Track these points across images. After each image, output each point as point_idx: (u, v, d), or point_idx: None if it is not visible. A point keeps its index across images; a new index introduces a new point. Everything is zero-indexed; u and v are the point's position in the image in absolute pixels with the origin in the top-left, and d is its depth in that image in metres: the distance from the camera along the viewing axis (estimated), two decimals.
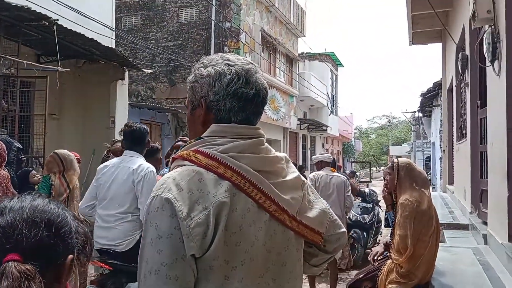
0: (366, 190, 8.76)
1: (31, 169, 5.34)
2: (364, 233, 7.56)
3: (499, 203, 4.39)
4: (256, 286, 1.09)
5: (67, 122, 8.41)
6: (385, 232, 9.32)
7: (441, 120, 13.21)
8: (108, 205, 3.29)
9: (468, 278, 3.77)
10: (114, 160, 3.51)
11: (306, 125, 20.24)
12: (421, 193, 3.46)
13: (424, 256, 3.40)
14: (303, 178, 1.25)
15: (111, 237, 3.20)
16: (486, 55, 4.78)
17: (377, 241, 8.28)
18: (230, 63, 1.17)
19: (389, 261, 3.55)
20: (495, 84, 4.60)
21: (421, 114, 21.91)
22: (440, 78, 13.01)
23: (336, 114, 25.38)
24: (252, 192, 1.08)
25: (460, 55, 7.21)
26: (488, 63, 4.72)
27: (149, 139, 3.62)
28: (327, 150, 26.37)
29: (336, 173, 5.41)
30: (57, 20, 6.17)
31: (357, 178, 14.14)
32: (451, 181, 11.41)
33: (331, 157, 5.56)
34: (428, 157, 32.33)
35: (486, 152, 5.56)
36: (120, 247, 3.17)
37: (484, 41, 4.74)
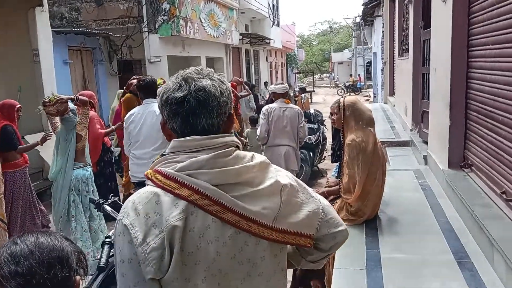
0: (312, 111, 8.83)
1: None
2: (311, 153, 7.74)
3: (440, 130, 4.54)
4: None
5: None
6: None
7: (382, 31, 13.20)
8: (143, 145, 3.88)
9: (411, 206, 3.98)
10: (137, 108, 4.05)
11: (249, 39, 19.50)
12: (366, 132, 3.46)
13: (372, 193, 3.50)
14: (284, 182, 1.17)
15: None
16: None
17: (323, 157, 8.55)
18: (177, 75, 1.17)
19: (339, 200, 3.63)
20: (441, 10, 4.48)
21: (362, 21, 21.84)
22: None
23: (278, 25, 24.64)
24: (212, 208, 1.06)
25: None
26: None
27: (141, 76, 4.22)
28: (270, 63, 26.05)
29: (290, 105, 5.30)
30: None
31: (305, 95, 14.18)
32: (391, 93, 11.76)
33: (285, 87, 5.39)
34: (369, 62, 33.02)
35: (428, 74, 5.63)
36: None
37: None
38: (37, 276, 0.95)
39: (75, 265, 1.04)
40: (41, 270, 0.95)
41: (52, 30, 8.00)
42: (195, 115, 1.12)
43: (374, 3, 14.82)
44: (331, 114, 3.74)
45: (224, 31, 15.20)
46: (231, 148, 1.13)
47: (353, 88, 32.22)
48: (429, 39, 5.49)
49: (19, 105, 4.88)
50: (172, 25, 11.62)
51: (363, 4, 16.27)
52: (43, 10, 7.46)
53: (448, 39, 4.14)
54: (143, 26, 11.65)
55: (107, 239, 2.26)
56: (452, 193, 3.88)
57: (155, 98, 3.56)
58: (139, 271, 1.04)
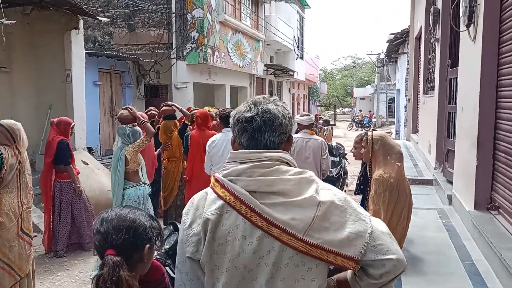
0: (334, 144, 8.82)
1: None
2: None
3: (466, 170, 4.46)
4: None
5: (18, 76, 7.75)
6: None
7: (407, 68, 13.24)
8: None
9: (435, 246, 3.87)
10: (218, 135, 4.62)
11: (273, 70, 19.82)
12: (395, 167, 3.41)
13: (396, 231, 3.42)
14: (324, 199, 1.23)
15: None
16: (462, 19, 4.62)
17: (344, 191, 8.46)
18: (247, 100, 1.39)
19: None
20: (469, 49, 4.49)
21: (386, 57, 21.96)
22: (407, 25, 12.86)
23: (302, 58, 24.97)
24: (243, 210, 1.22)
25: (432, 9, 7.02)
26: (463, 27, 4.58)
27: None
28: (293, 94, 26.27)
29: (314, 136, 5.30)
30: None
31: (327, 127, 14.19)
32: (415, 130, 11.66)
33: (310, 119, 5.39)
34: (391, 98, 32.98)
35: (454, 113, 5.59)
36: None
37: (460, 4, 4.56)
38: (109, 237, 1.34)
39: (148, 237, 1.39)
40: (113, 233, 1.34)
41: (85, 52, 8.31)
42: (260, 132, 1.31)
43: (399, 40, 14.93)
44: (355, 147, 3.72)
45: (249, 61, 15.50)
46: (273, 162, 1.28)
47: (361, 123, 32.35)
48: (456, 78, 5.47)
49: (74, 123, 5.37)
50: (200, 53, 11.92)
51: (388, 41, 16.41)
52: (78, 33, 7.78)
53: (476, 78, 4.12)
54: (171, 52, 11.99)
55: None
56: (478, 235, 3.77)
57: None
58: (182, 249, 1.30)
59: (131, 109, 4.63)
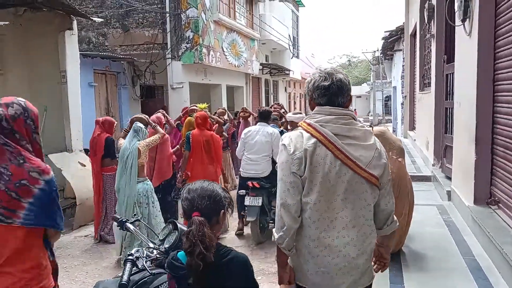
0: None
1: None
2: None
3: (465, 165, 4.44)
4: (327, 197, 1.86)
5: (12, 78, 7.66)
6: None
7: (403, 66, 13.23)
8: (256, 152, 5.51)
9: (436, 242, 3.85)
10: (253, 127, 5.84)
11: (269, 69, 19.77)
12: (396, 163, 3.39)
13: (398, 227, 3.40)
14: (378, 146, 1.94)
15: (258, 168, 5.47)
16: (457, 14, 4.61)
17: None
18: (321, 71, 1.99)
19: None
20: (465, 44, 4.48)
21: (381, 55, 21.95)
22: (402, 22, 12.85)
23: (298, 57, 24.93)
24: (329, 146, 1.85)
25: (427, 5, 7.01)
26: (458, 21, 4.56)
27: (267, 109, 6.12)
28: (289, 93, 26.24)
29: None
30: None
31: None
32: (412, 127, 11.66)
33: (302, 117, 5.43)
34: (387, 96, 32.92)
35: (451, 108, 5.58)
36: (264, 174, 5.44)
37: None
38: (195, 202, 1.75)
39: (223, 204, 1.79)
40: (198, 200, 1.75)
41: (79, 54, 8.23)
42: (335, 95, 1.94)
43: (394, 37, 14.93)
44: None
45: (245, 60, 15.45)
46: (348, 116, 1.93)
47: None
48: (453, 73, 5.46)
49: (116, 123, 5.99)
50: (195, 53, 11.86)
51: (383, 39, 16.39)
52: (72, 34, 7.70)
53: (473, 73, 4.11)
54: (166, 52, 11.92)
55: (130, 257, 2.22)
56: (479, 230, 3.76)
57: (267, 123, 5.73)
58: (288, 167, 1.89)
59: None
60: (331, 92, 1.92)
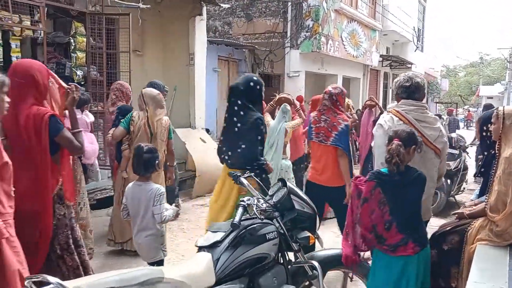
0: (454, 135, 8.15)
1: None
2: (448, 180, 7.11)
3: None
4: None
5: (149, 59, 8.57)
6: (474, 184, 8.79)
7: None
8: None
9: None
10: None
11: (389, 62, 18.89)
12: None
13: None
14: (442, 129, 2.98)
15: None
16: None
17: (462, 188, 7.80)
18: (405, 75, 3.09)
19: (481, 218, 3.27)
20: None
21: None
22: None
23: (422, 50, 23.46)
24: (411, 126, 2.80)
25: None
26: None
27: None
28: None
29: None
30: None
31: (444, 123, 13.21)
32: None
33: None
34: None
35: None
36: None
37: None
38: (397, 134, 2.68)
39: (414, 142, 2.66)
40: (401, 132, 2.67)
41: (206, 39, 8.87)
42: (413, 93, 2.98)
43: None
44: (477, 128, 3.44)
45: (364, 51, 15.05)
46: (424, 107, 2.93)
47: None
48: None
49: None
50: (314, 41, 11.92)
51: None
52: (202, 19, 8.35)
53: None
54: (286, 41, 12.19)
55: (242, 202, 2.44)
56: None
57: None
58: (384, 140, 2.77)
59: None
60: (411, 90, 2.98)
